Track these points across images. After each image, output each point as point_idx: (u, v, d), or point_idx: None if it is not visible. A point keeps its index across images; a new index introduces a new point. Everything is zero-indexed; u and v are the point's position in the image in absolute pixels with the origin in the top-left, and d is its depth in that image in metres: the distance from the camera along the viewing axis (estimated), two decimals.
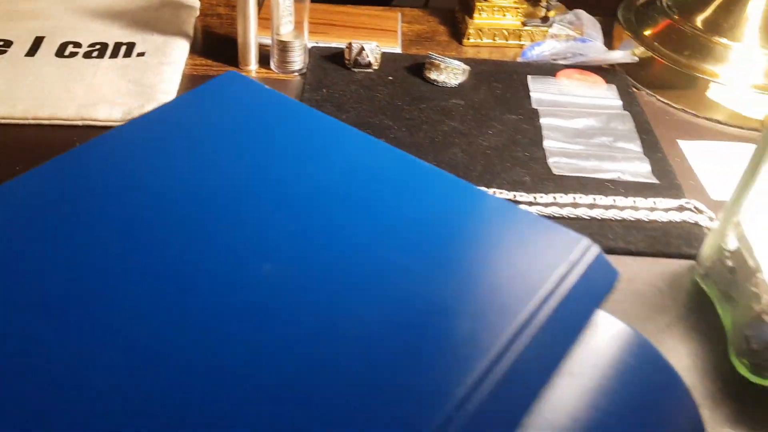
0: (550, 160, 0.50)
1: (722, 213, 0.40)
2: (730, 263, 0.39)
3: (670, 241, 0.45)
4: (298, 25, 0.58)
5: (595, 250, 0.28)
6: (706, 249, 0.42)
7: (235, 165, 0.30)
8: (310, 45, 0.62)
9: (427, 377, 0.22)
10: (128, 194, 0.28)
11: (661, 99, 0.61)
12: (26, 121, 0.49)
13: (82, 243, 0.25)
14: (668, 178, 0.50)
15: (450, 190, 0.30)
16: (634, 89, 0.61)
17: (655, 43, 0.62)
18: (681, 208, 0.47)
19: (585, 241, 0.28)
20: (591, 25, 0.65)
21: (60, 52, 0.57)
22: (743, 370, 0.37)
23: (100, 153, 0.29)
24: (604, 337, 0.29)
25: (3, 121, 0.49)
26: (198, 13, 0.66)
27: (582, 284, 0.26)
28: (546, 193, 0.47)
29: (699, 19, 0.62)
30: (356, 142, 0.32)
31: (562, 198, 0.47)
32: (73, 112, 0.49)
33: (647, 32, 0.64)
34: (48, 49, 0.57)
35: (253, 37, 0.58)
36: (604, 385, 0.27)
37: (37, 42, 0.58)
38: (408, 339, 0.23)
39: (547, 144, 0.52)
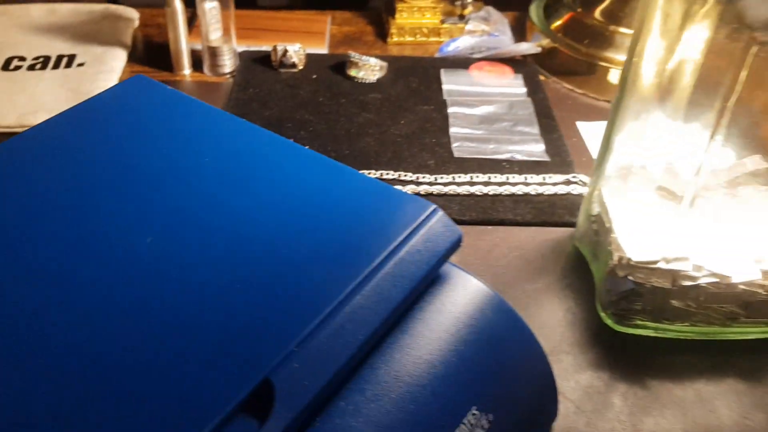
0: (454, 145, 0.56)
1: (589, 182, 0.45)
2: (594, 227, 0.44)
3: (555, 212, 0.50)
4: (226, 32, 0.63)
5: (439, 213, 0.32)
6: (580, 216, 0.47)
7: (132, 157, 0.34)
8: (240, 49, 0.66)
9: (275, 319, 0.27)
10: (33, 186, 0.32)
11: (566, 85, 0.66)
12: None
13: None
14: (561, 156, 0.55)
15: (321, 171, 0.35)
16: (543, 77, 0.66)
17: (560, 35, 0.68)
18: (568, 182, 0.52)
19: (431, 206, 0.33)
20: (500, 20, 0.70)
21: (5, 66, 0.62)
22: (608, 321, 0.42)
23: (8, 151, 0.34)
24: (459, 292, 0.34)
25: None
26: (137, 23, 0.71)
27: (426, 242, 0.31)
28: (447, 174, 0.52)
29: (598, 11, 0.67)
30: (245, 133, 0.37)
31: (460, 178, 0.52)
32: (14, 120, 0.54)
33: (554, 25, 0.69)
34: None
35: (184, 44, 0.63)
36: (454, 334, 0.32)
37: None
38: (264, 287, 0.28)
39: (453, 131, 0.57)
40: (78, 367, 0.25)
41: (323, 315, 0.27)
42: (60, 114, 0.37)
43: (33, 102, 0.56)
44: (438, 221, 0.32)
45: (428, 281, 0.31)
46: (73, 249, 0.29)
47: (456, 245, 0.33)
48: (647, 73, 0.39)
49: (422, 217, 0.32)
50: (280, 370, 0.25)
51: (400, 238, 0.31)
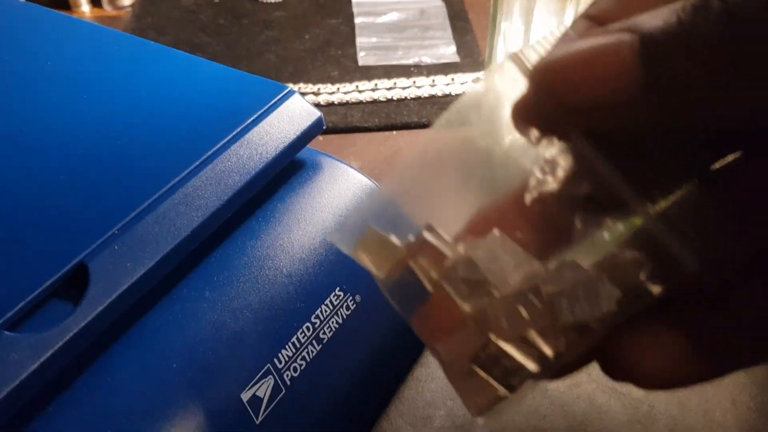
0: (360, 54, 0.53)
1: (485, 72, 0.43)
2: None
3: None
4: None
5: (294, 94, 0.30)
6: None
7: None
8: None
9: (99, 204, 0.25)
10: None
11: None
12: None
13: None
14: (472, 57, 0.53)
15: (172, 63, 0.33)
16: None
17: None
18: (477, 80, 0.50)
19: (285, 88, 0.30)
20: None
21: None
22: None
23: None
24: (330, 180, 0.32)
25: None
26: None
27: (278, 123, 0.29)
28: (350, 83, 0.50)
29: None
30: (98, 36, 0.35)
31: (364, 85, 0.50)
32: None
33: None
34: None
35: None
36: (320, 220, 0.30)
37: None
38: (95, 173, 0.26)
39: (360, 41, 0.55)
40: None
41: (150, 200, 0.25)
42: None
43: None
44: (293, 103, 0.30)
45: (284, 165, 0.29)
46: None
47: (316, 128, 0.31)
48: None
49: (274, 100, 0.30)
50: (96, 254, 0.23)
51: (249, 121, 0.29)
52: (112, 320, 0.23)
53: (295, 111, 0.30)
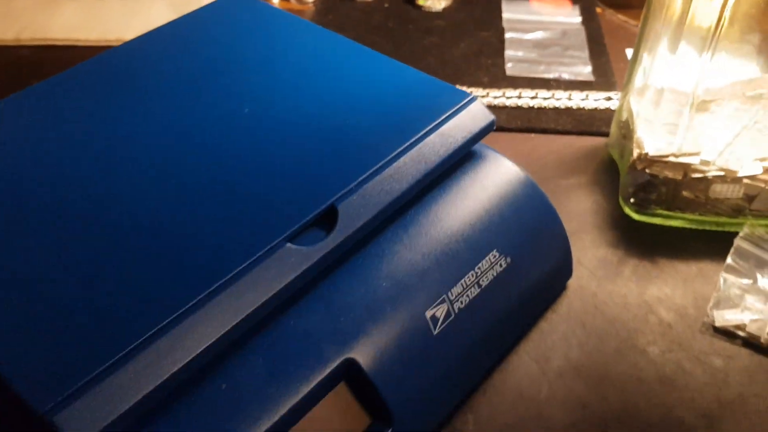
0: (507, 65, 0.62)
1: (621, 93, 0.51)
2: (623, 131, 0.50)
3: (593, 123, 0.56)
4: None
5: (476, 100, 0.40)
6: (612, 124, 0.53)
7: (229, 55, 0.43)
8: None
9: (343, 166, 0.35)
10: (143, 86, 0.41)
11: (621, 17, 0.71)
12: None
13: (117, 120, 0.39)
14: (605, 77, 0.61)
15: (382, 67, 0.42)
16: (599, 9, 0.71)
17: None
18: (608, 98, 0.58)
19: (469, 95, 0.40)
20: None
21: None
22: (627, 210, 0.49)
23: (117, 59, 0.43)
24: (491, 168, 0.41)
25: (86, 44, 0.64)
26: None
27: (462, 122, 0.39)
28: (498, 89, 0.59)
29: None
30: (320, 38, 0.45)
31: (510, 93, 0.59)
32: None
33: None
34: None
35: None
36: (483, 197, 0.39)
37: None
38: (336, 144, 0.36)
39: (508, 53, 0.64)
40: (218, 180, 0.34)
41: (375, 167, 0.35)
42: (167, 24, 0.46)
43: (147, 25, 0.66)
44: (474, 107, 0.40)
45: (463, 154, 0.39)
46: (202, 113, 0.39)
47: (489, 127, 0.40)
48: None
49: (462, 103, 0.39)
50: (342, 200, 0.33)
51: (443, 117, 0.38)
52: (347, 248, 0.33)
53: (476, 113, 0.40)
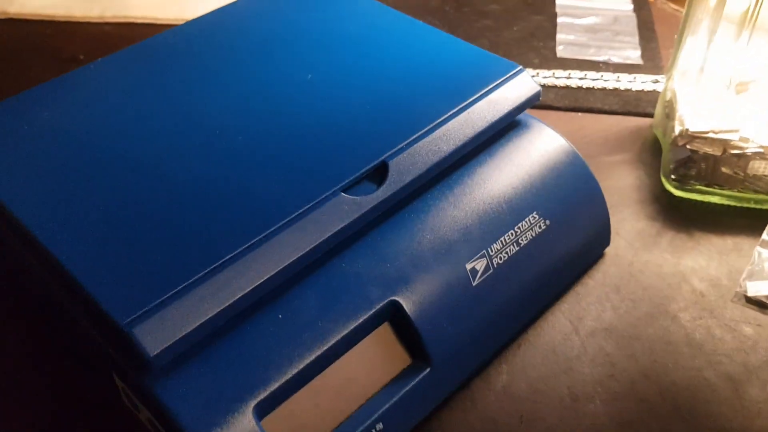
0: (558, 48, 0.64)
1: (666, 74, 0.53)
2: (667, 111, 0.52)
3: (639, 104, 0.58)
4: None
5: (523, 71, 0.42)
6: (658, 104, 0.55)
7: (291, 37, 0.46)
8: None
9: (396, 127, 0.38)
10: (209, 64, 0.45)
11: (672, 6, 0.72)
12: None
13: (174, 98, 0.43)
14: (654, 62, 0.62)
15: (435, 41, 0.45)
16: None
17: None
18: (656, 81, 0.60)
19: (517, 66, 0.42)
20: None
21: None
22: (668, 186, 0.50)
23: (177, 39, 0.47)
24: (536, 136, 0.44)
25: (156, 21, 0.69)
26: None
27: (509, 90, 0.41)
28: (549, 70, 0.61)
29: None
30: (380, 14, 0.48)
31: (560, 73, 0.61)
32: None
33: None
34: None
35: None
36: (527, 161, 0.42)
37: None
38: (389, 107, 0.39)
39: (559, 37, 0.66)
40: (284, 133, 0.38)
41: (426, 128, 0.38)
42: (236, 1, 0.50)
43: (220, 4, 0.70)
44: (522, 78, 0.42)
45: (509, 121, 0.41)
46: (271, 79, 0.42)
47: (535, 98, 0.42)
48: None
49: (511, 73, 0.42)
50: (392, 157, 0.36)
51: (493, 84, 0.41)
52: (395, 201, 0.36)
53: (523, 84, 0.42)
